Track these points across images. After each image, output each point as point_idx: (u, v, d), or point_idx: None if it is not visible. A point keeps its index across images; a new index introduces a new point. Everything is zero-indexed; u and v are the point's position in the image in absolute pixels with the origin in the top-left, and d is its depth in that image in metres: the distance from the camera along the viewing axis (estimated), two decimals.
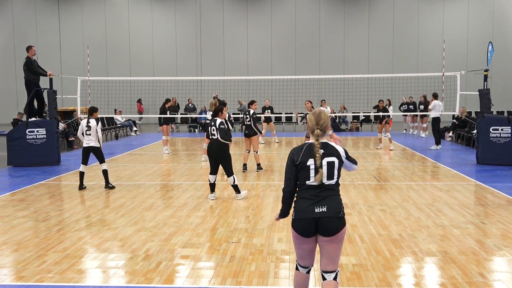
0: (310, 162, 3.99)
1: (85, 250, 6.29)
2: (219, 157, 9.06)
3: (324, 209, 3.94)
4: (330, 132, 20.39)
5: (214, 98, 25.25)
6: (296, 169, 4.03)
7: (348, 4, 31.41)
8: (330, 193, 4.00)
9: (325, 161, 3.98)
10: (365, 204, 8.68)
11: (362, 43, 31.33)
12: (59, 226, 7.44)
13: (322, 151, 4.00)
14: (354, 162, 4.27)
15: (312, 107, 15.43)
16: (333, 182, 4.03)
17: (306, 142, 4.13)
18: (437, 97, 17.27)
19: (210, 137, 9.17)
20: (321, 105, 20.33)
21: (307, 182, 4.00)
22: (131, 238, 6.76)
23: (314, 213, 3.94)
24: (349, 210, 8.23)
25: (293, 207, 4.08)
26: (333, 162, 4.01)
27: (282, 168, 13.05)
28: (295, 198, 4.11)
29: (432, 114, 17.04)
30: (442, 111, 17.06)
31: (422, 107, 22.14)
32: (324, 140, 4.09)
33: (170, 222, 7.59)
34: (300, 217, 3.98)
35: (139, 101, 29.18)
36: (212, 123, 9.22)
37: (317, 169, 3.96)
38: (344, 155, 4.14)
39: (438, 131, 17.01)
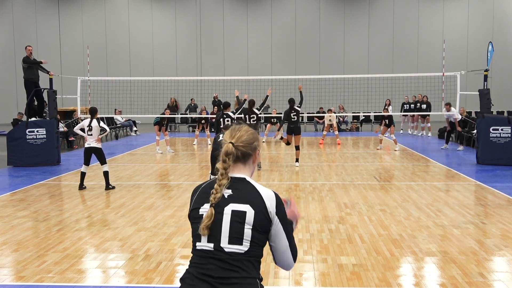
0: (204, 209, 2.34)
1: (85, 250, 6.29)
2: None
3: None
4: (337, 132, 20.34)
5: (214, 98, 25.30)
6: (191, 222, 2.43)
7: (348, 4, 31.40)
8: (234, 274, 2.25)
9: (229, 208, 2.29)
10: (365, 204, 8.68)
11: (362, 43, 31.31)
12: (59, 226, 7.44)
13: (228, 191, 2.32)
14: (293, 248, 2.45)
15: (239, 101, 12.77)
16: (241, 249, 2.28)
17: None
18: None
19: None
20: (328, 112, 20.14)
21: (197, 244, 2.36)
22: (131, 238, 6.76)
23: None
24: (349, 210, 8.23)
25: None
26: (243, 214, 2.27)
27: (282, 168, 13.05)
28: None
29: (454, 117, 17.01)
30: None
31: (424, 106, 22.07)
32: (240, 174, 2.39)
33: (170, 222, 7.59)
34: None
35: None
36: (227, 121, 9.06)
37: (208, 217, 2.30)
38: (274, 209, 2.32)
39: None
